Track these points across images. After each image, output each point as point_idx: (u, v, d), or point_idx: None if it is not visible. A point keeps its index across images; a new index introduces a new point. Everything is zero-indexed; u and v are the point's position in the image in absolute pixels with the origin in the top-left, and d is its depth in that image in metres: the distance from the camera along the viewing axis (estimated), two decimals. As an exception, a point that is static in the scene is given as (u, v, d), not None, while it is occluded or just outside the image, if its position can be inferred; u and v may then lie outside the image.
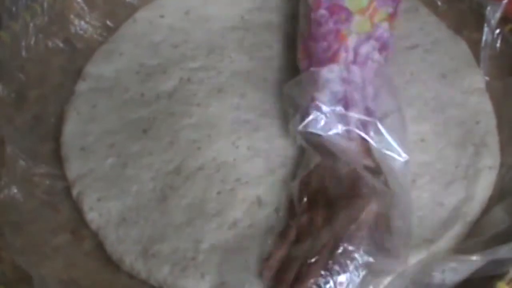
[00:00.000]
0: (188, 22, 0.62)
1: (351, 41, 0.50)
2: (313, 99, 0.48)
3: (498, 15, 0.55)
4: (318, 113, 0.48)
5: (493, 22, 0.55)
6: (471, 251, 0.42)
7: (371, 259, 0.42)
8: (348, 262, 0.42)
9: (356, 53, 0.50)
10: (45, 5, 0.57)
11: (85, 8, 0.60)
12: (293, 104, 0.50)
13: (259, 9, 0.63)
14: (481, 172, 0.50)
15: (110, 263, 0.48)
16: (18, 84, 0.55)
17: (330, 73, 0.49)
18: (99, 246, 0.48)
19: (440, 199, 0.49)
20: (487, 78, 0.56)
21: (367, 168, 0.46)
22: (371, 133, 0.47)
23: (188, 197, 0.49)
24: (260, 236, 0.47)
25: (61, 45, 0.58)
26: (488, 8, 0.55)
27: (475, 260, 0.41)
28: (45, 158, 0.53)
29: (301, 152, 0.50)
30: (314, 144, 0.48)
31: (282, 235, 0.46)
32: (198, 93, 0.56)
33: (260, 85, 0.56)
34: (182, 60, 0.59)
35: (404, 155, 0.47)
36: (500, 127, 0.53)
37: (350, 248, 0.42)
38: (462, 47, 0.58)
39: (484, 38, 0.56)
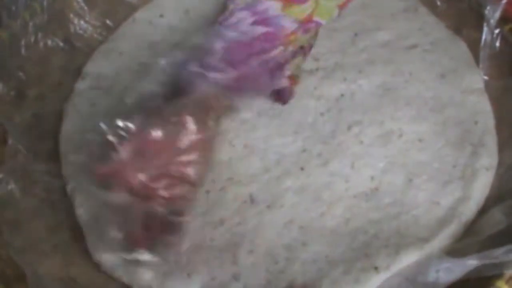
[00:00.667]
0: (188, 21, 0.62)
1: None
2: None
3: (497, 14, 0.54)
4: None
5: (493, 21, 0.54)
6: (466, 251, 0.42)
7: None
8: None
9: None
10: (45, 4, 0.57)
11: (85, 7, 0.60)
12: None
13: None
14: (478, 172, 0.49)
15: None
16: (18, 83, 0.55)
17: None
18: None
19: (437, 199, 0.48)
20: (486, 77, 0.55)
21: None
22: None
23: (175, 197, 0.49)
24: (250, 231, 0.47)
25: (60, 44, 0.59)
26: (488, 7, 0.54)
27: (470, 261, 0.40)
28: (44, 156, 0.53)
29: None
30: None
31: None
32: (195, 91, 0.56)
33: (258, 85, 0.56)
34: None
35: None
36: (499, 127, 0.52)
37: None
38: (461, 47, 0.57)
39: (483, 37, 0.55)
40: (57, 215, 0.50)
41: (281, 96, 0.54)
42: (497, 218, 0.45)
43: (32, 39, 0.56)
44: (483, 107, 0.53)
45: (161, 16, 0.63)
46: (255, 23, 0.53)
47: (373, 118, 0.53)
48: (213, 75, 0.49)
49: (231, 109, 0.51)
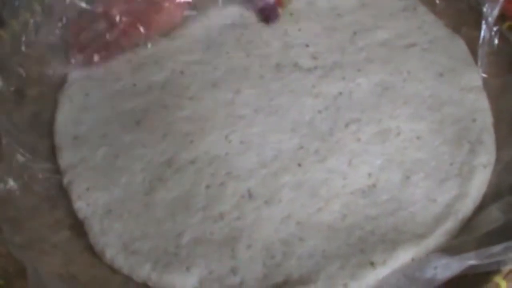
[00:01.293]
0: (188, 17, 0.61)
1: None
2: None
3: (496, 12, 0.55)
4: None
5: (491, 19, 0.55)
6: (464, 248, 0.42)
7: None
8: None
9: None
10: (45, 2, 0.57)
11: (84, 6, 0.59)
12: None
13: (259, 7, 0.62)
14: (475, 170, 0.49)
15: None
16: (18, 80, 0.55)
17: None
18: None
19: (434, 196, 0.48)
20: (484, 75, 0.55)
21: None
22: None
23: (175, 191, 0.49)
24: (249, 226, 0.47)
25: (62, 39, 0.58)
26: (486, 5, 0.55)
27: (468, 259, 0.40)
28: (43, 154, 0.52)
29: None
30: None
31: None
32: (190, 86, 0.56)
33: (256, 82, 0.56)
34: (176, 52, 0.59)
35: None
36: (497, 124, 0.52)
37: None
38: (460, 46, 0.58)
39: (482, 35, 0.55)
40: (57, 213, 0.50)
41: (266, 14, 0.57)
42: (494, 215, 0.45)
43: (33, 36, 0.56)
44: (481, 105, 0.53)
45: None
46: None
47: (371, 116, 0.53)
48: None
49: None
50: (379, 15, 0.61)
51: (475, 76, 0.55)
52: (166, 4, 0.58)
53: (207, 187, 0.49)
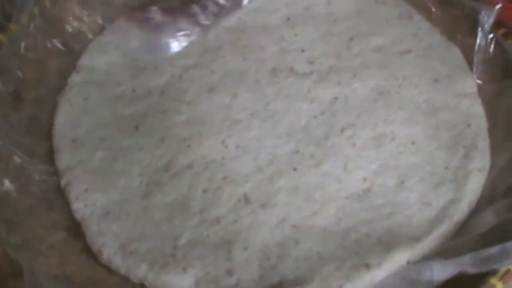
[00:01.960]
0: (186, 19, 0.63)
1: None
2: None
3: (491, 20, 0.55)
4: None
5: (487, 27, 0.55)
6: (459, 250, 0.42)
7: None
8: None
9: None
10: (45, 6, 0.58)
11: (84, 11, 0.61)
12: None
13: (256, 11, 0.63)
14: (470, 174, 0.49)
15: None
16: (16, 82, 0.55)
17: None
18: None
19: (428, 200, 0.48)
20: (480, 81, 0.56)
21: None
22: None
23: (173, 195, 0.50)
24: (245, 230, 0.47)
25: (59, 46, 0.59)
26: (482, 13, 0.55)
27: (464, 261, 0.41)
28: (40, 156, 0.53)
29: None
30: None
31: None
32: (189, 90, 0.56)
33: (252, 86, 0.56)
34: (174, 57, 0.59)
35: None
36: (492, 130, 0.53)
37: None
38: (455, 53, 0.58)
39: (477, 42, 0.56)
40: (53, 214, 0.50)
41: None
42: (488, 218, 0.46)
43: (32, 40, 0.57)
44: (476, 110, 0.54)
45: None
46: None
47: (366, 121, 0.53)
48: None
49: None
50: (375, 22, 0.61)
51: (470, 82, 0.56)
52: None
53: (204, 191, 0.50)
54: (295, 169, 0.50)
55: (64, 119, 0.55)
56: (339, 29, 0.61)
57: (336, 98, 0.55)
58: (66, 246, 0.48)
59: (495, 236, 0.42)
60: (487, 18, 0.55)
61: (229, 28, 0.62)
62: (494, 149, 0.51)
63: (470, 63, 0.57)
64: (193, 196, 0.49)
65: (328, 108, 0.54)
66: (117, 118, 0.55)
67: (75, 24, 0.60)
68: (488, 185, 0.49)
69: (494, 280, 0.40)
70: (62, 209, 0.50)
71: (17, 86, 0.55)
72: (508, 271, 0.41)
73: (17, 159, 0.50)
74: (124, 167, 0.51)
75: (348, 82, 0.56)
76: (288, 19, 0.62)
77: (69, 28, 0.60)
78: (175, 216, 0.48)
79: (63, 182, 0.51)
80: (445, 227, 0.46)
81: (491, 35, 0.55)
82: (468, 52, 0.57)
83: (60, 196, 0.51)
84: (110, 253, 0.47)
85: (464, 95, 0.55)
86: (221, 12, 0.61)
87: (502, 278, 0.40)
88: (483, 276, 0.41)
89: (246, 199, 0.49)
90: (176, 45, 0.60)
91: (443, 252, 0.44)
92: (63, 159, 0.52)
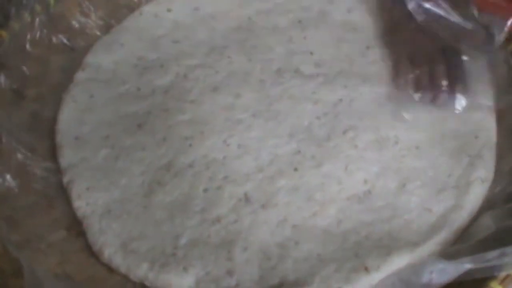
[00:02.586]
0: (194, 18, 0.63)
1: None
2: None
3: (503, 35, 0.54)
4: None
5: (498, 41, 0.54)
6: (456, 256, 0.42)
7: None
8: None
9: None
10: (52, 1, 0.58)
11: (91, 7, 0.61)
12: None
13: (268, 12, 0.63)
14: (473, 183, 0.49)
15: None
16: (20, 79, 0.55)
17: None
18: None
19: (429, 205, 0.48)
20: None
21: None
22: None
23: (174, 194, 0.50)
24: (245, 229, 0.47)
25: (65, 41, 0.59)
26: (494, 28, 0.54)
27: (464, 264, 0.41)
28: (42, 154, 0.53)
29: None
30: None
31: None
32: (193, 90, 0.56)
33: (256, 86, 0.56)
34: (180, 56, 0.59)
35: None
36: (499, 138, 0.52)
37: None
38: (477, 65, 0.56)
39: (491, 57, 0.55)
40: (54, 212, 0.50)
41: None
42: (486, 224, 0.46)
43: (38, 35, 0.57)
44: (487, 124, 0.53)
45: (169, 10, 0.63)
46: None
47: (369, 124, 0.53)
48: None
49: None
50: None
51: (487, 96, 0.54)
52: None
53: (205, 190, 0.50)
54: (296, 169, 0.50)
55: (68, 116, 0.55)
56: (355, 37, 0.60)
57: (340, 100, 0.55)
58: (66, 244, 0.48)
59: (494, 242, 0.42)
60: (499, 33, 0.54)
61: (237, 28, 0.62)
62: (499, 157, 0.51)
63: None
64: (194, 196, 0.49)
65: (331, 109, 0.54)
66: (121, 117, 0.55)
67: (82, 19, 0.60)
68: (489, 192, 0.49)
69: (494, 284, 0.40)
70: (63, 207, 0.50)
71: (20, 83, 0.55)
72: (508, 275, 0.40)
73: (19, 156, 0.50)
74: (126, 166, 0.51)
75: (355, 86, 0.56)
76: (300, 21, 0.61)
77: (75, 24, 0.60)
78: (176, 215, 0.48)
79: (65, 180, 0.51)
80: (444, 234, 0.46)
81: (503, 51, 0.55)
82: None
83: (62, 193, 0.51)
84: (110, 252, 0.47)
85: (477, 108, 0.54)
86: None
87: (502, 283, 0.40)
88: (483, 281, 0.41)
89: (247, 199, 0.49)
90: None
91: (442, 257, 0.43)
92: (66, 157, 0.52)
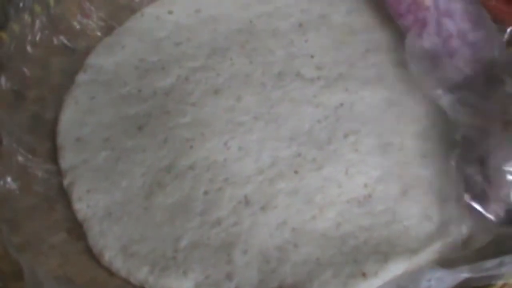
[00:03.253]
0: (196, 20, 0.62)
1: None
2: None
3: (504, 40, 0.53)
4: None
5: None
6: (455, 264, 0.41)
7: None
8: None
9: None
10: (52, 3, 0.58)
11: (91, 7, 0.61)
12: None
13: (269, 15, 0.63)
14: None
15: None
16: (21, 80, 0.55)
17: None
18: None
19: (430, 213, 0.48)
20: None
21: None
22: None
23: (174, 196, 0.50)
24: (245, 232, 0.47)
25: (65, 42, 0.59)
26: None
27: (462, 273, 0.40)
28: (43, 155, 0.53)
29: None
30: None
31: None
32: (194, 92, 0.56)
33: (257, 89, 0.56)
34: (182, 58, 0.59)
35: None
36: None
37: None
38: None
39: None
40: (55, 214, 0.50)
41: None
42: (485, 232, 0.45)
43: (38, 36, 0.57)
44: None
45: (170, 12, 0.63)
46: None
47: (371, 129, 0.53)
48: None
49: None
50: (398, 37, 0.59)
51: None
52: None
53: (205, 192, 0.50)
54: (296, 172, 0.50)
55: (69, 118, 0.55)
56: (356, 40, 0.60)
57: (342, 104, 0.55)
58: (67, 247, 0.48)
59: (492, 251, 0.42)
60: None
61: (238, 30, 0.62)
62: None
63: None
64: (195, 198, 0.49)
65: (333, 113, 0.54)
66: (122, 118, 0.55)
67: (83, 20, 0.60)
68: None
69: (494, 291, 0.40)
70: (64, 209, 0.50)
71: (21, 84, 0.55)
72: (505, 284, 0.40)
73: (20, 158, 0.50)
74: (127, 168, 0.51)
75: (356, 89, 0.55)
76: (300, 25, 0.61)
77: (76, 25, 0.60)
78: (176, 217, 0.48)
79: (66, 182, 0.51)
80: (443, 243, 0.46)
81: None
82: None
83: (62, 195, 0.51)
84: (111, 255, 0.47)
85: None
86: None
87: (501, 289, 0.40)
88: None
89: (247, 201, 0.49)
90: None
91: (440, 265, 0.43)
92: (67, 158, 0.52)
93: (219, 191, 0.50)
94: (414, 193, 0.49)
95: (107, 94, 0.57)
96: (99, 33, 0.61)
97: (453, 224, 0.47)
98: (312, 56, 0.59)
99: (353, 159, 0.51)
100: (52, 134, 0.54)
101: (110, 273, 0.47)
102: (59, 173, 0.52)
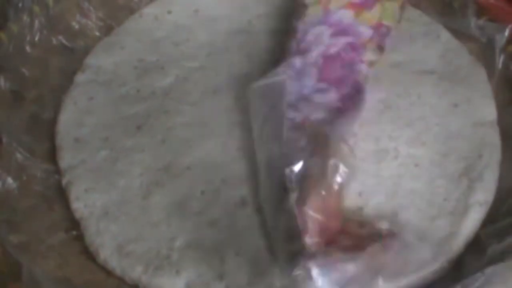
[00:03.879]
0: (195, 20, 0.62)
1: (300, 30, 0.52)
2: None
3: (504, 39, 0.53)
4: None
5: (500, 45, 0.53)
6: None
7: None
8: None
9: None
10: (51, 3, 0.58)
11: (90, 7, 0.60)
12: None
13: (269, 16, 0.62)
14: (470, 208, 0.47)
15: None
16: (19, 80, 0.55)
17: None
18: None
19: (423, 235, 0.46)
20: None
21: None
22: None
23: (172, 196, 0.50)
24: (239, 234, 0.48)
25: (64, 42, 0.59)
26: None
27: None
28: (42, 155, 0.53)
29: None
30: None
31: None
32: (193, 92, 0.56)
33: (257, 89, 0.56)
34: (181, 58, 0.59)
35: None
36: (505, 149, 0.51)
37: None
38: (480, 76, 0.55)
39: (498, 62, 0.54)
40: (54, 214, 0.51)
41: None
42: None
43: (37, 36, 0.57)
44: (492, 140, 0.51)
45: (169, 12, 0.63)
46: (334, 34, 0.52)
47: (368, 132, 0.52)
48: (317, 98, 0.49)
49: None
50: (397, 37, 0.57)
51: (491, 110, 0.53)
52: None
53: (202, 192, 0.50)
54: (291, 174, 0.50)
55: (67, 118, 0.55)
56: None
57: (338, 105, 0.54)
58: (65, 247, 0.49)
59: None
60: (501, 37, 0.53)
61: (237, 31, 0.61)
62: (503, 169, 0.50)
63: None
64: (192, 198, 0.50)
65: (329, 114, 0.54)
66: (121, 118, 0.55)
67: (82, 20, 0.60)
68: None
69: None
70: (63, 210, 0.51)
71: (20, 84, 0.55)
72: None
73: (19, 157, 0.51)
74: (125, 168, 0.52)
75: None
76: None
77: (75, 25, 0.60)
78: (173, 217, 0.49)
79: (64, 181, 0.52)
80: (438, 264, 0.45)
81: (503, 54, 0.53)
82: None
83: (61, 195, 0.51)
84: (106, 254, 0.48)
85: (481, 124, 0.52)
86: None
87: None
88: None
89: (243, 202, 0.49)
90: None
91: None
92: (65, 158, 0.53)
93: (215, 191, 0.50)
94: (407, 214, 0.47)
95: (106, 94, 0.57)
96: (98, 33, 0.61)
97: (447, 241, 0.46)
98: None
99: (350, 164, 0.50)
100: (51, 134, 0.55)
101: (107, 273, 0.47)
102: (58, 173, 0.52)
